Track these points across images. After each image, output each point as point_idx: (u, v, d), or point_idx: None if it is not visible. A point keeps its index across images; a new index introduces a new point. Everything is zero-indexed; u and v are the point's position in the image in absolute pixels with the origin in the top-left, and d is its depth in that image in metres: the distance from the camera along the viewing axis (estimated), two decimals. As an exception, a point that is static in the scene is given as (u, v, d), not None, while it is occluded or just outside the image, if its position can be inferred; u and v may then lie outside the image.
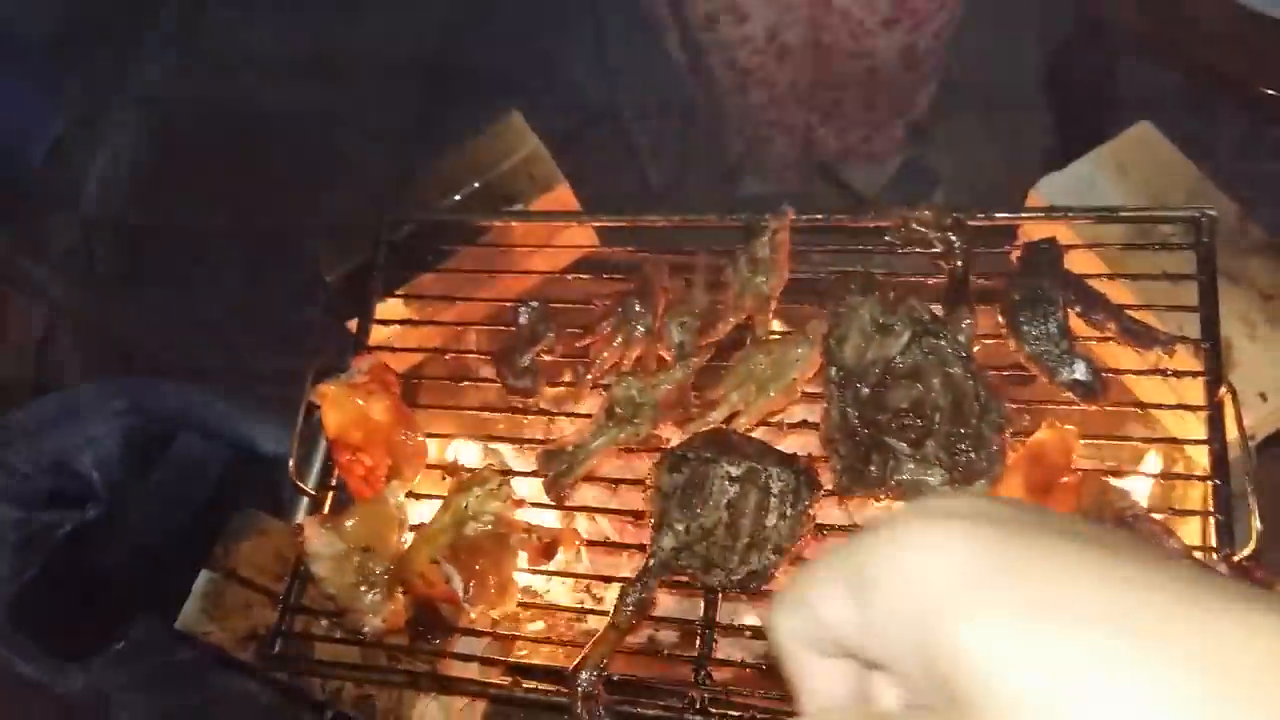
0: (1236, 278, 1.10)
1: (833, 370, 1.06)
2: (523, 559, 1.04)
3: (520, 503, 1.07)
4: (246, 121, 2.86)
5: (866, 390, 1.04)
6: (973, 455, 0.98)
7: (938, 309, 1.07)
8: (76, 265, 2.91)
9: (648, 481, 1.04)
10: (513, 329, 1.21)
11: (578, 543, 1.06)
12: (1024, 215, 1.16)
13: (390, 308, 1.33)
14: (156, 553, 1.89)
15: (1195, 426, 1.03)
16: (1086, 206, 1.13)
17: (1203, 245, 1.08)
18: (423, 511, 1.13)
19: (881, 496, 1.02)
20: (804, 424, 1.10)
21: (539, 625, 1.17)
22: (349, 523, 1.07)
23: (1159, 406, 1.06)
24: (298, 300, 2.13)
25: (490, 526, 1.03)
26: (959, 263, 1.10)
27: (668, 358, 1.16)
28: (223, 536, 1.20)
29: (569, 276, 1.30)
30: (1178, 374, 1.04)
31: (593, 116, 2.55)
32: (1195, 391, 1.03)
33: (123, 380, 2.03)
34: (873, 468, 1.00)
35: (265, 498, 1.41)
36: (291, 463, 1.13)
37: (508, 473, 1.13)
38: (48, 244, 2.93)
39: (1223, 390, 0.99)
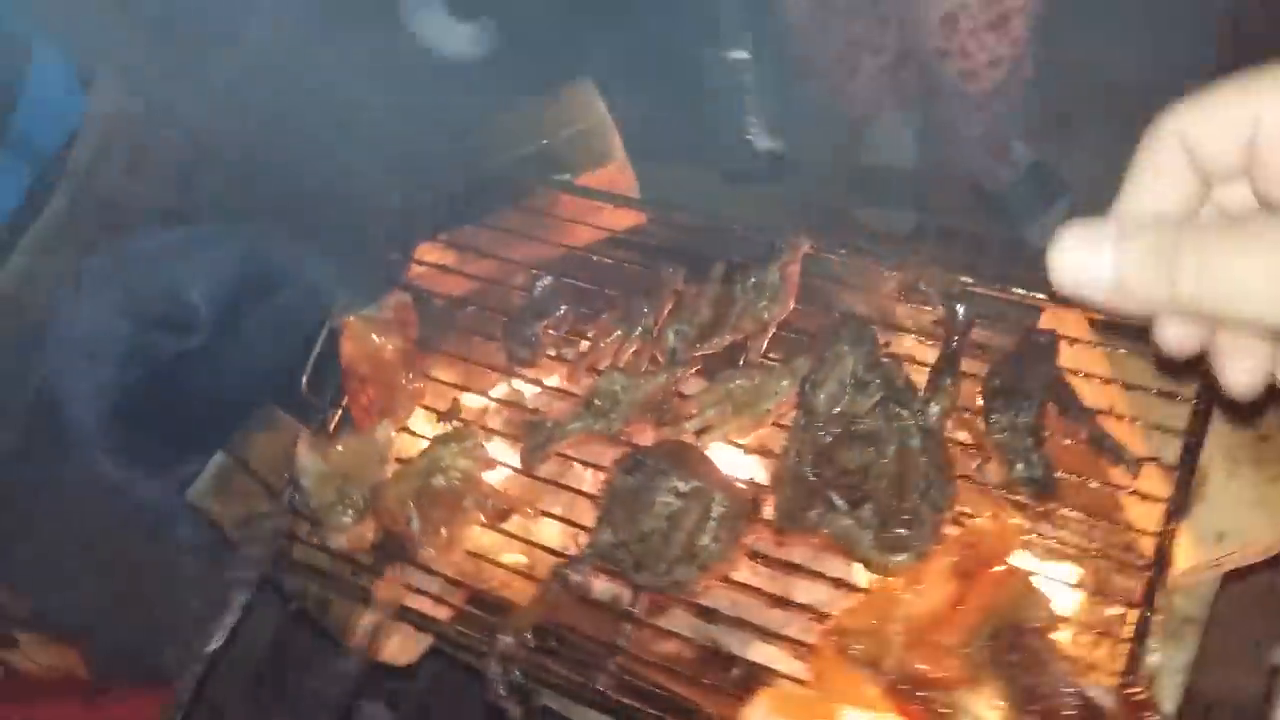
0: (1237, 410, 1.07)
1: (800, 413, 1.10)
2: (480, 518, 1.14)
3: (491, 464, 1.16)
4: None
5: (827, 438, 1.08)
6: (903, 530, 1.01)
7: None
8: (230, 104, 3.09)
9: (605, 476, 1.12)
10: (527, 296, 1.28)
11: (531, 512, 1.15)
12: (1038, 296, 1.15)
13: (430, 250, 1.41)
14: (240, 392, 2.08)
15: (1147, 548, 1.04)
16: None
17: (1207, 372, 1.05)
18: (411, 447, 1.24)
19: (814, 540, 1.07)
20: (768, 451, 1.15)
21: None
22: (338, 448, 1.18)
23: (1108, 523, 1.06)
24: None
25: (457, 482, 1.13)
26: (955, 337, 1.11)
27: (660, 360, 1.21)
28: (242, 425, 1.34)
29: (594, 257, 1.35)
30: (1140, 494, 1.03)
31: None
32: (1156, 514, 1.03)
33: (243, 227, 2.19)
34: (811, 514, 1.05)
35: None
36: (305, 378, 1.25)
37: (488, 430, 1.22)
38: (207, 80, 3.10)
39: (1171, 524, 0.99)
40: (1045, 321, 1.17)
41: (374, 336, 1.24)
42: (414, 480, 1.13)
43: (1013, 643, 0.94)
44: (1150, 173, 0.45)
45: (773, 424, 1.14)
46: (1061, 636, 0.97)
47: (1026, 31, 1.65)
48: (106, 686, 1.93)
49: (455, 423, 1.21)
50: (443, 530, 1.09)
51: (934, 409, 1.06)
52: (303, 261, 2.09)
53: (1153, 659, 0.95)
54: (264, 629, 1.73)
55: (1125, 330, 1.11)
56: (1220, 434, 1.06)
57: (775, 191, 2.38)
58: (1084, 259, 0.44)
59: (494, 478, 1.19)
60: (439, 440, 1.15)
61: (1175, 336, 0.47)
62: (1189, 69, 2.08)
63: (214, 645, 1.09)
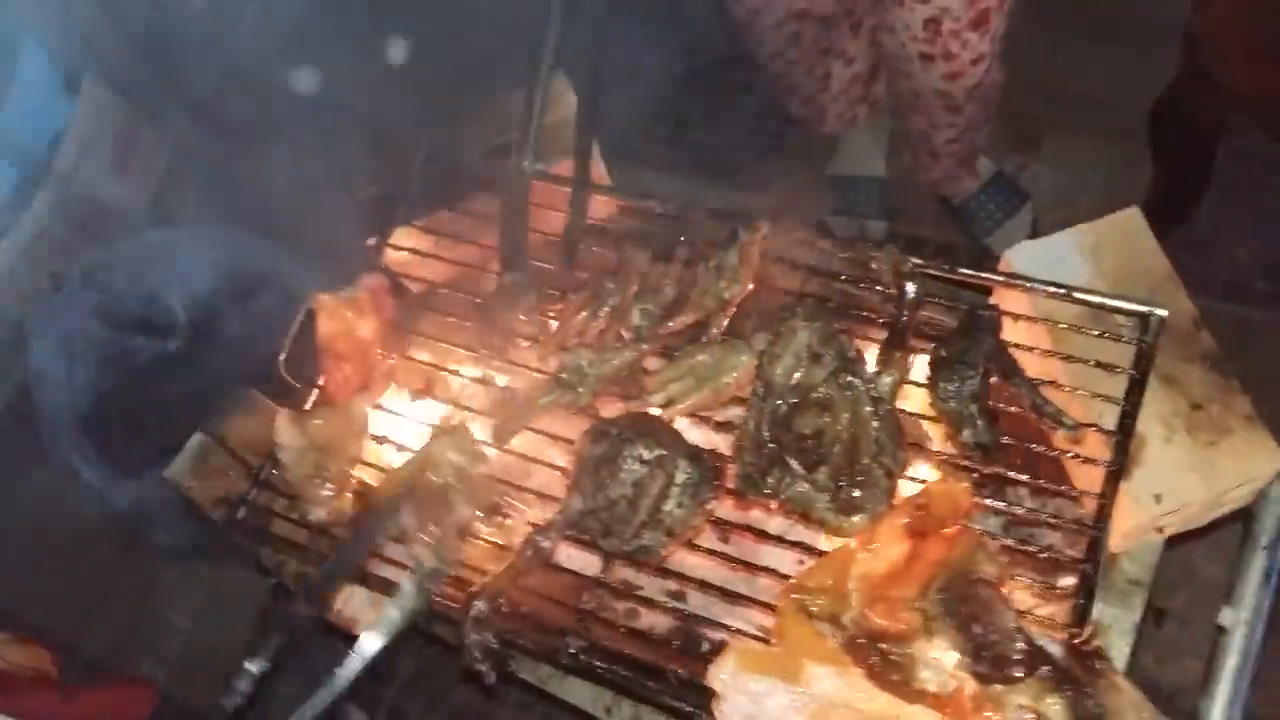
0: (1173, 380, 1.13)
1: (759, 384, 1.15)
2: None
3: (483, 459, 1.19)
4: (394, 8, 2.98)
5: (784, 409, 1.13)
6: (856, 490, 1.06)
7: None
8: (210, 111, 3.11)
9: (574, 446, 1.16)
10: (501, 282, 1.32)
11: (515, 512, 1.18)
12: (983, 276, 1.20)
13: (406, 235, 1.46)
14: (217, 395, 2.09)
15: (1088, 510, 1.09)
16: (1046, 280, 1.17)
17: (1143, 342, 1.11)
18: (383, 424, 1.28)
19: (773, 505, 1.11)
20: (730, 425, 1.19)
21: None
22: (315, 422, 1.22)
23: (1058, 487, 1.12)
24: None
25: (450, 478, 1.15)
26: (905, 312, 1.16)
27: (626, 337, 1.26)
28: (220, 406, 1.37)
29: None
30: (1081, 458, 1.09)
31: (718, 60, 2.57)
32: (1098, 477, 1.08)
33: (223, 230, 2.21)
34: (770, 479, 1.10)
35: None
36: (283, 356, 1.29)
37: (461, 407, 1.26)
38: (188, 87, 3.13)
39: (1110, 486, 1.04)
40: (994, 300, 1.23)
41: (349, 315, 1.28)
42: (406, 474, 1.16)
43: (964, 594, 0.98)
44: None
45: (733, 399, 1.19)
46: (1010, 593, 1.02)
47: (1003, 28, 1.70)
48: (77, 686, 1.94)
49: (447, 417, 1.23)
50: (431, 527, 1.12)
51: (885, 380, 1.12)
52: (283, 266, 2.12)
53: (1099, 614, 0.99)
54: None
55: (1065, 308, 1.17)
56: (1157, 403, 1.12)
57: (746, 198, 2.45)
58: None
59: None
60: (434, 436, 1.18)
61: None
62: (1149, 83, 2.17)
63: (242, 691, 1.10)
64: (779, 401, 1.13)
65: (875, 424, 1.08)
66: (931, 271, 1.19)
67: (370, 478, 1.24)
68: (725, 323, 1.25)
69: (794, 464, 1.09)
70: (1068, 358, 1.14)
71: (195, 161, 3.04)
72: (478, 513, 1.12)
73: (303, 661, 1.37)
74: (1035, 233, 2.17)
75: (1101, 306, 1.14)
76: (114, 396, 2.03)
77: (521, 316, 1.31)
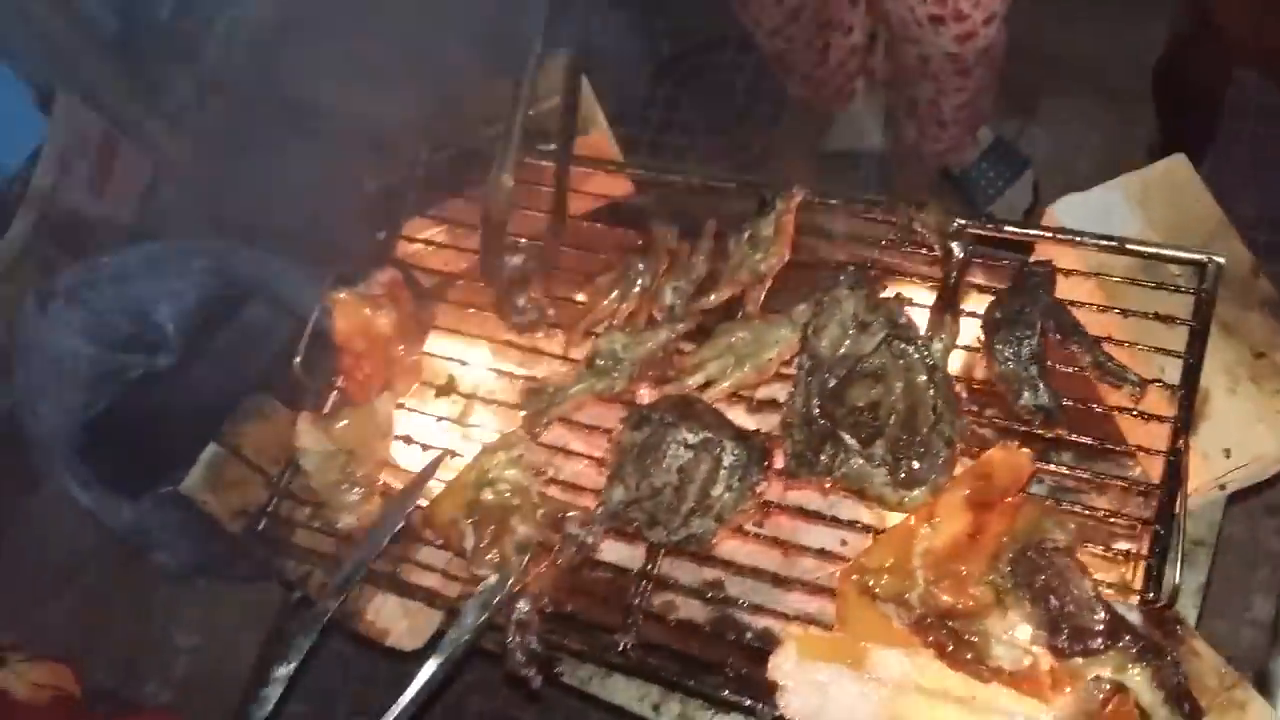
0: (1233, 329, 1.09)
1: (805, 357, 1.10)
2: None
3: (541, 473, 1.13)
4: (371, 5, 2.93)
5: (833, 382, 1.08)
6: (916, 462, 1.01)
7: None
8: (188, 121, 3.04)
9: (613, 434, 1.11)
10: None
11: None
12: (1031, 232, 1.16)
13: (419, 226, 1.40)
14: (213, 408, 2.04)
15: (1154, 469, 1.04)
16: (1096, 234, 1.12)
17: (1203, 292, 1.07)
18: (410, 423, 1.22)
19: (827, 484, 1.06)
20: (773, 403, 1.14)
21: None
22: (339, 425, 1.16)
23: (1119, 446, 1.07)
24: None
25: (507, 495, 1.09)
26: (954, 272, 1.11)
27: (659, 318, 1.21)
28: (233, 415, 1.31)
29: (585, 224, 1.34)
30: (1144, 415, 1.04)
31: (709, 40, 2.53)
32: (1163, 435, 1.04)
33: (208, 242, 2.15)
34: (823, 457, 1.05)
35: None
36: (298, 359, 1.23)
37: (487, 401, 1.20)
38: (164, 97, 3.06)
39: (1180, 441, 1.00)
40: (1039, 256, 1.18)
41: (367, 311, 1.22)
42: (465, 494, 1.10)
43: (1036, 565, 0.94)
44: None
45: (776, 375, 1.14)
46: (1082, 559, 0.97)
47: None
48: (97, 709, 1.87)
49: (503, 431, 1.16)
50: (492, 549, 1.05)
51: (938, 345, 1.07)
52: (271, 275, 2.06)
53: (1172, 577, 0.95)
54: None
55: (1119, 260, 1.12)
56: (1218, 353, 1.07)
57: (746, 176, 2.40)
58: None
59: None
60: (486, 450, 1.12)
61: None
62: (1144, 47, 2.14)
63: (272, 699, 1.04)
64: (827, 375, 1.08)
65: (931, 392, 1.03)
66: (977, 230, 1.14)
67: (397, 480, 1.18)
68: (762, 297, 1.20)
69: (848, 439, 1.04)
70: (1124, 312, 1.09)
71: (177, 171, 2.97)
72: (539, 531, 1.06)
73: (312, 680, 1.31)
74: (1037, 198, 2.13)
75: (1157, 257, 1.10)
76: (107, 416, 1.97)
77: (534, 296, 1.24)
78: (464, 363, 1.28)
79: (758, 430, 1.10)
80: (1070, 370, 1.07)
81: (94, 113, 2.81)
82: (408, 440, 1.22)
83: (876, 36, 2.06)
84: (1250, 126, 2.14)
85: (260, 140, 2.95)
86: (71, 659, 2.14)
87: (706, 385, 1.15)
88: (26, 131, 2.61)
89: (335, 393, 1.26)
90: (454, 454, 1.18)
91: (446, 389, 1.25)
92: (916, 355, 1.05)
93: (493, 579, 0.97)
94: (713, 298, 1.20)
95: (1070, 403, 1.05)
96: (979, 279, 1.16)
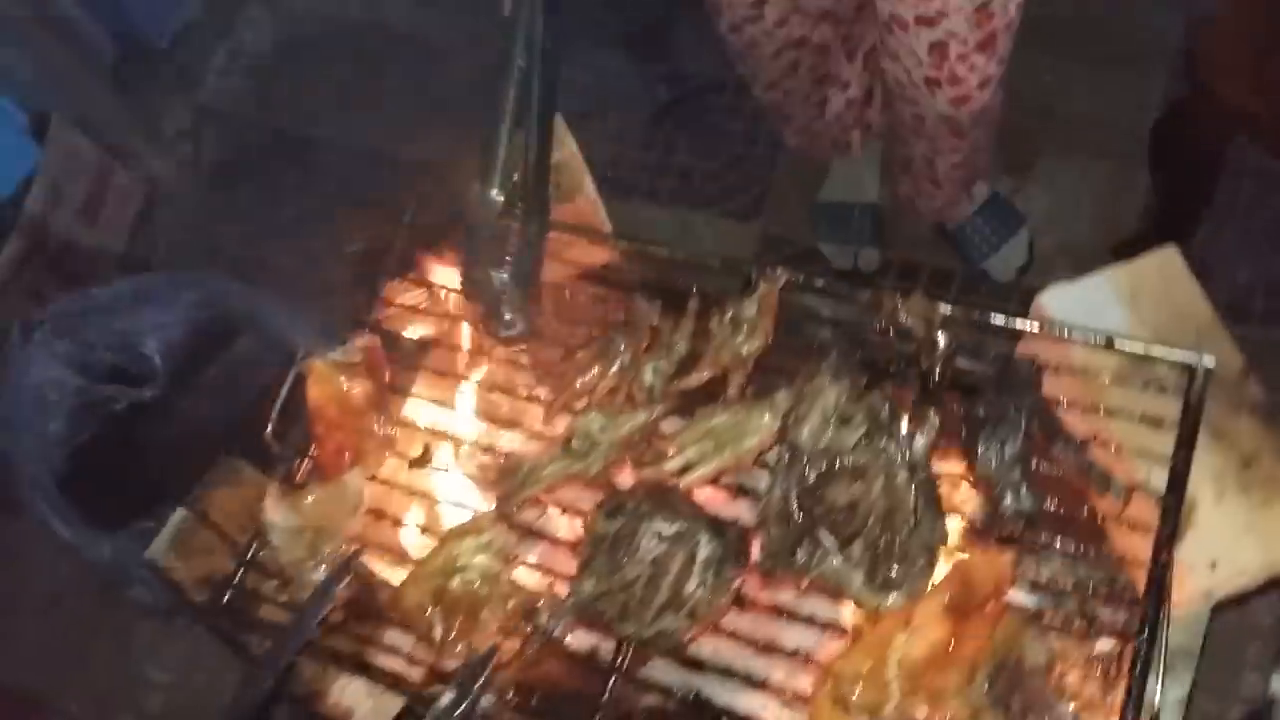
0: (1221, 435, 1.07)
1: (784, 448, 1.08)
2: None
3: (513, 558, 1.10)
4: (369, 41, 2.93)
5: (812, 477, 1.06)
6: (895, 565, 0.99)
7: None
8: (183, 150, 3.04)
9: (585, 520, 1.08)
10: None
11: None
12: (1017, 325, 1.13)
13: (399, 289, 1.38)
14: (198, 444, 2.01)
15: (1138, 579, 1.02)
16: (1085, 327, 1.10)
17: (1191, 395, 1.05)
18: (381, 496, 1.19)
19: (804, 583, 1.03)
20: (754, 492, 1.12)
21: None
22: (308, 499, 1.13)
23: (1103, 554, 1.05)
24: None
25: (475, 585, 1.06)
26: (937, 365, 1.09)
27: (639, 398, 1.18)
28: (202, 479, 1.28)
29: (567, 293, 1.32)
30: (1130, 525, 1.02)
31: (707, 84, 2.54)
32: (1147, 545, 1.01)
33: (198, 275, 2.13)
34: (800, 554, 1.02)
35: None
36: (270, 427, 1.20)
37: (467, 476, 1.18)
38: (159, 125, 3.06)
39: (1165, 554, 0.97)
40: (1024, 350, 1.16)
41: (342, 380, 1.19)
42: (430, 582, 1.07)
43: (1014, 683, 0.91)
44: None
45: (758, 462, 1.11)
46: (1062, 676, 0.94)
47: (1010, 49, 1.66)
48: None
49: (477, 509, 1.14)
50: (459, 642, 1.02)
51: (920, 442, 1.04)
52: (260, 309, 2.04)
53: (1153, 694, 0.92)
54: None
55: (1106, 358, 1.10)
56: (1206, 460, 1.05)
57: (742, 228, 2.40)
58: None
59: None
60: (454, 534, 1.10)
61: None
62: (1144, 108, 2.14)
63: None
64: (807, 468, 1.06)
65: (913, 492, 1.00)
66: (962, 319, 1.12)
67: (369, 557, 1.15)
68: (744, 380, 1.17)
69: (826, 537, 1.01)
70: (1109, 412, 1.07)
71: (171, 202, 2.97)
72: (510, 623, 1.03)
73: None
74: (1032, 256, 2.13)
75: (1145, 357, 1.08)
76: (90, 448, 1.95)
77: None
78: (441, 434, 1.25)
79: (735, 521, 1.08)
80: (1055, 472, 1.05)
81: (88, 140, 2.80)
82: (378, 514, 1.19)
83: (874, 91, 2.06)
84: (1249, 189, 2.13)
85: (255, 172, 2.96)
86: (37, 695, 2.11)
87: (685, 470, 1.13)
88: (19, 159, 2.60)
89: (309, 461, 1.23)
90: (362, 552, 1.14)
91: (421, 461, 1.22)
92: (898, 453, 1.03)
93: (451, 694, 0.94)
94: (693, 379, 1.18)
95: (1053, 507, 1.03)
96: (966, 364, 1.15)
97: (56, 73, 2.88)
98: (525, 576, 1.09)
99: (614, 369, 1.20)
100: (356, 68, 2.88)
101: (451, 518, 1.18)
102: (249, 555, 1.18)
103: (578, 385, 1.20)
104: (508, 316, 1.18)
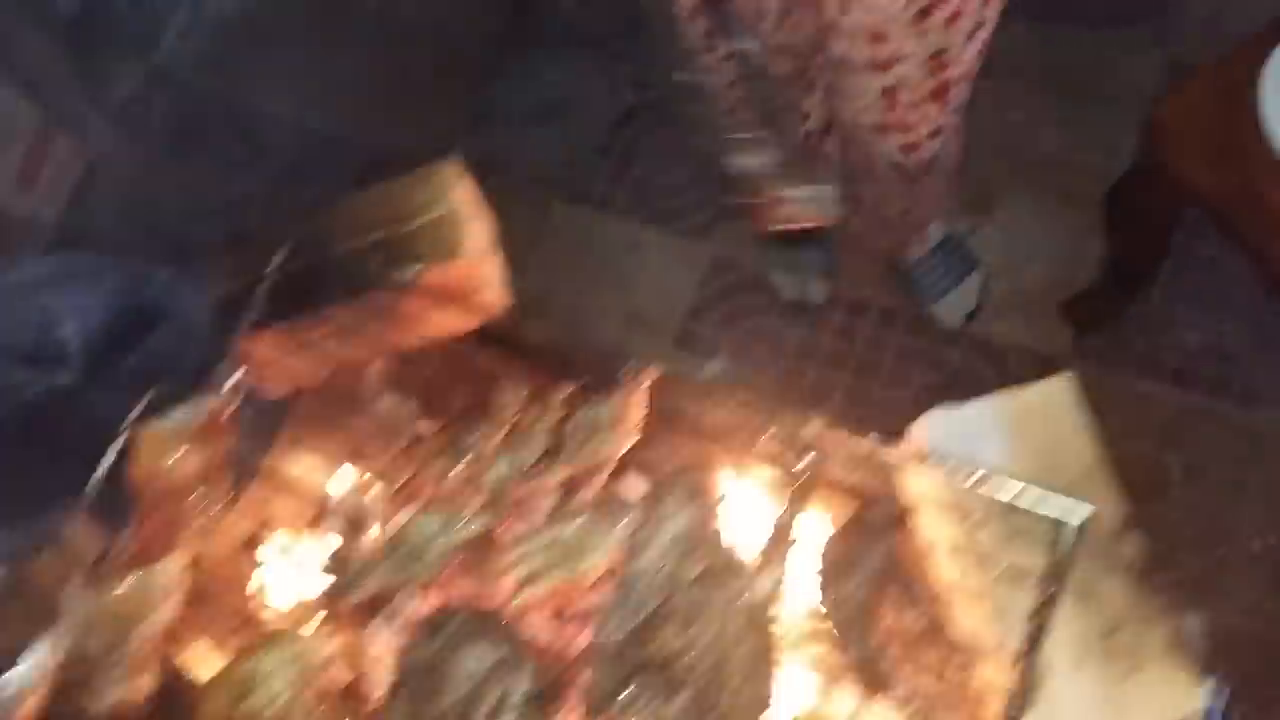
0: (1089, 595, 0.99)
1: (622, 576, 1.00)
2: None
3: (324, 672, 1.02)
4: (337, 18, 2.81)
5: (648, 609, 0.98)
6: (718, 724, 0.92)
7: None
8: (132, 116, 2.93)
9: (400, 641, 1.01)
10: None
11: None
12: (888, 452, 1.05)
13: (259, 343, 1.29)
14: (109, 436, 1.93)
15: (984, 742, 0.95)
16: (957, 463, 1.02)
17: (1058, 551, 0.97)
18: (204, 583, 1.12)
19: (628, 726, 0.96)
20: (585, 618, 1.04)
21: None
22: (117, 590, 1.05)
23: (946, 713, 0.98)
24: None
25: (281, 699, 0.98)
26: (794, 497, 1.01)
27: (485, 496, 1.11)
28: (27, 536, 1.20)
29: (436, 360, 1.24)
30: (980, 688, 0.95)
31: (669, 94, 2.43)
32: (998, 709, 0.94)
33: (120, 261, 2.04)
34: (622, 698, 0.95)
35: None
36: (84, 509, 1.12)
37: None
38: (109, 90, 2.93)
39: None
40: (895, 482, 1.08)
41: (169, 452, 1.11)
42: (231, 692, 0.99)
43: None
44: None
45: (593, 587, 1.04)
46: None
47: (966, 99, 1.57)
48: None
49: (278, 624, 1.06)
50: None
51: (765, 584, 0.97)
52: (183, 301, 1.96)
53: None
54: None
55: (978, 499, 1.02)
56: (1068, 621, 0.97)
57: (693, 248, 2.32)
58: None
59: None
60: (263, 640, 1.02)
61: None
62: (1110, 157, 2.05)
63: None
64: (642, 600, 0.98)
65: (743, 648, 0.93)
66: (832, 444, 1.04)
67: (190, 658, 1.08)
68: (601, 484, 1.10)
69: (651, 682, 0.94)
70: (972, 557, 0.99)
71: (111, 171, 2.86)
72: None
73: None
74: (984, 299, 2.07)
75: (1014, 504, 1.00)
76: (-1, 434, 1.87)
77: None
78: (273, 519, 1.18)
79: (562, 651, 1.01)
80: (905, 624, 0.97)
81: (30, 100, 2.69)
82: (199, 603, 1.12)
83: (833, 124, 1.98)
84: (1205, 253, 2.06)
85: (203, 145, 2.84)
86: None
87: (522, 584, 1.05)
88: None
89: (133, 533, 1.16)
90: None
91: (250, 541, 1.15)
92: (738, 601, 0.95)
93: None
94: (545, 479, 1.10)
95: (900, 662, 0.96)
96: (831, 493, 1.07)
97: (4, 27, 2.76)
98: (334, 703, 1.02)
99: (460, 462, 1.12)
100: (324, 43, 2.76)
101: (278, 611, 1.11)
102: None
103: (422, 473, 1.13)
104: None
